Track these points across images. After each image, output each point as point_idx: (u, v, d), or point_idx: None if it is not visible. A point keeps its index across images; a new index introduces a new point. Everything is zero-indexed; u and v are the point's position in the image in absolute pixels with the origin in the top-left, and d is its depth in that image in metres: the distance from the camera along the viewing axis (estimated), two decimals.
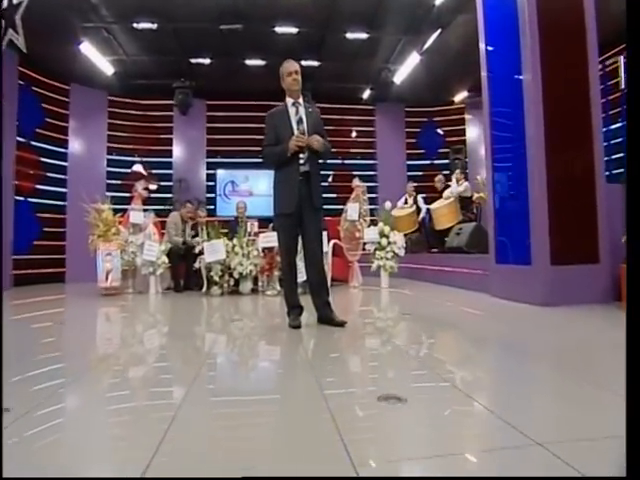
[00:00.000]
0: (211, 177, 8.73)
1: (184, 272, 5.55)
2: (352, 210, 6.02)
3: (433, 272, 5.99)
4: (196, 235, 5.70)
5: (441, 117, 9.69)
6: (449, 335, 2.89)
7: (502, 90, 4.31)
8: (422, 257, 6.65)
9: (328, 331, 2.72)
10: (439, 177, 8.22)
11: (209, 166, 8.75)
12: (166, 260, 5.16)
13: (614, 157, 5.67)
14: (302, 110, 2.89)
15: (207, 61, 6.98)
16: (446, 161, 9.63)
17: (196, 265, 4.93)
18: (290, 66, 2.89)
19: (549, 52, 3.84)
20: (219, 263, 4.77)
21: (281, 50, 6.85)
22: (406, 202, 7.73)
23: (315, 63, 7.22)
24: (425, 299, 4.58)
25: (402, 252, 5.59)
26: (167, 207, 7.97)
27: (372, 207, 9.02)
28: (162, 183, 8.49)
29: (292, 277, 2.91)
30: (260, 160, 3.09)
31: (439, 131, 9.75)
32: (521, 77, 3.91)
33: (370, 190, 9.10)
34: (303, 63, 7.22)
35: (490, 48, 4.50)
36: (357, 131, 9.30)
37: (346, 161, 9.19)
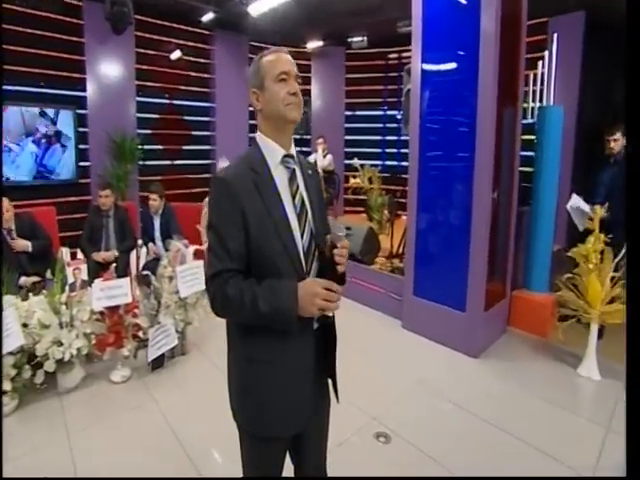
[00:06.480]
0: None
1: None
2: None
3: None
4: None
5: None
6: None
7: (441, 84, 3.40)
8: None
9: None
10: None
11: None
12: None
13: None
14: (299, 174, 1.25)
15: None
16: None
17: None
18: (281, 57, 1.17)
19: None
20: (11, 354, 2.58)
21: None
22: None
23: None
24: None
25: None
26: None
27: (205, 162, 7.11)
28: None
29: None
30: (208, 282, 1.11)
31: None
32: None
33: (203, 141, 7.20)
34: None
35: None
36: (189, 62, 6.92)
37: (175, 101, 6.87)
